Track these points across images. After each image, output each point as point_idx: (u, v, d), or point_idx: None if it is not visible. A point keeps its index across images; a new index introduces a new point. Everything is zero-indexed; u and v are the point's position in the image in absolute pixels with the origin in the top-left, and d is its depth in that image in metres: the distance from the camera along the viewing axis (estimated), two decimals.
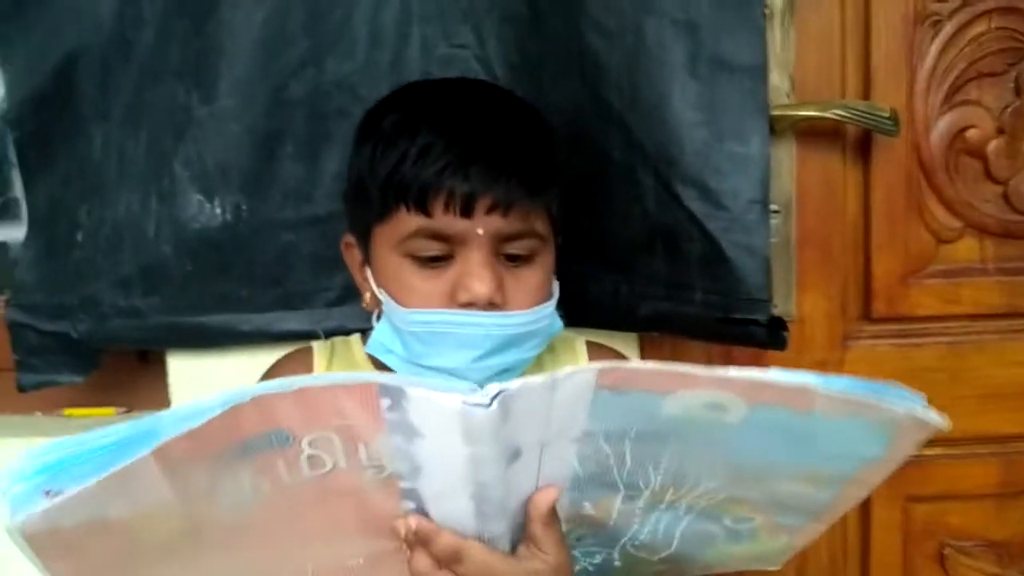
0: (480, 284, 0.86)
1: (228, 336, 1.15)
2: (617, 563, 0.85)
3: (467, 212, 0.86)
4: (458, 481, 0.66)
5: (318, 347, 1.03)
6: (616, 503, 0.77)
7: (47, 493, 0.57)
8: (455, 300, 0.87)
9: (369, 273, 0.93)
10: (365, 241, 0.94)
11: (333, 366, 1.00)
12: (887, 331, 1.31)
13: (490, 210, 0.86)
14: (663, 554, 0.84)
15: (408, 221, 0.87)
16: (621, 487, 0.74)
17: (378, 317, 0.95)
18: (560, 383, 0.62)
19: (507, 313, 0.88)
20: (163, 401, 1.20)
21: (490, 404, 0.60)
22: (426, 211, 0.86)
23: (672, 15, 1.00)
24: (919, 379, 1.27)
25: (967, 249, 1.29)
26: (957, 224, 1.28)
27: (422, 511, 0.70)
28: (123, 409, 1.26)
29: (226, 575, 0.71)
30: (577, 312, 0.99)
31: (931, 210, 1.28)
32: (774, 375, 0.63)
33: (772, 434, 0.67)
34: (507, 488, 0.68)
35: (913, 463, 1.31)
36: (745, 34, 0.99)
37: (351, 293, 1.08)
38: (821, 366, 1.29)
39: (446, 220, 0.86)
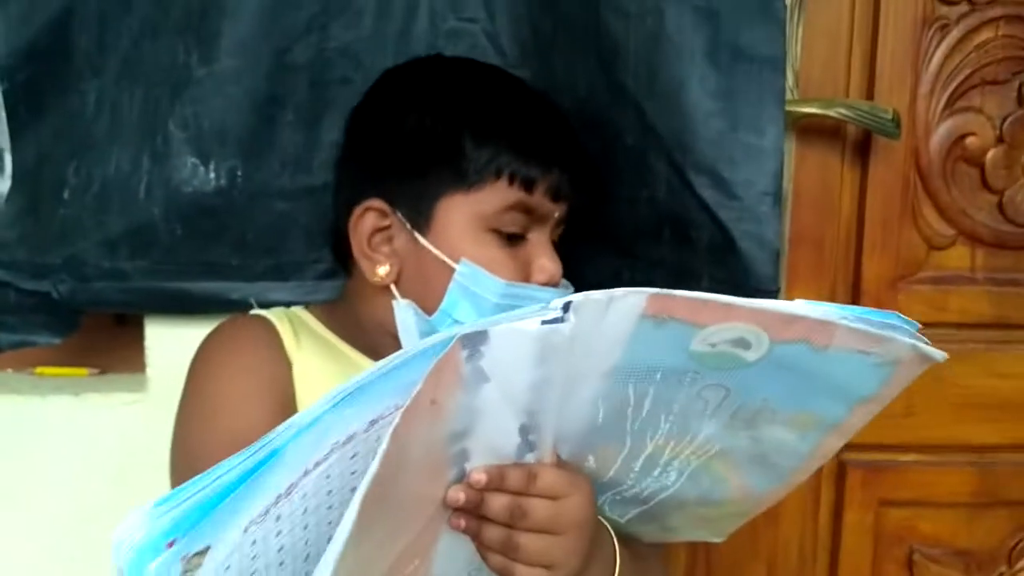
0: (556, 265, 0.96)
1: (215, 304, 1.12)
2: None
3: (558, 197, 0.95)
4: (512, 416, 0.66)
5: (273, 316, 1.02)
6: (618, 459, 0.77)
7: (183, 559, 0.56)
8: (527, 278, 0.94)
9: (425, 242, 0.93)
10: (420, 209, 0.94)
11: (300, 337, 0.99)
12: None
13: (566, 197, 0.96)
14: (633, 513, 0.86)
15: (507, 194, 0.93)
16: (628, 441, 0.75)
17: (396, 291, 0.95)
18: (615, 302, 0.62)
19: (565, 290, 0.96)
20: (139, 364, 1.18)
21: (563, 317, 0.60)
22: (529, 189, 0.93)
23: (693, 1, 0.99)
24: None
25: (958, 257, 1.30)
26: (950, 231, 1.29)
27: (462, 475, 0.69)
28: (96, 370, 1.24)
29: None
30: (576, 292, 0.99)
31: (925, 216, 1.28)
32: (802, 308, 0.65)
33: (782, 372, 0.69)
34: (553, 413, 0.68)
35: (889, 468, 1.34)
36: (765, 25, 0.98)
37: (340, 267, 1.06)
38: None
39: (541, 199, 0.94)
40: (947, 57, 1.24)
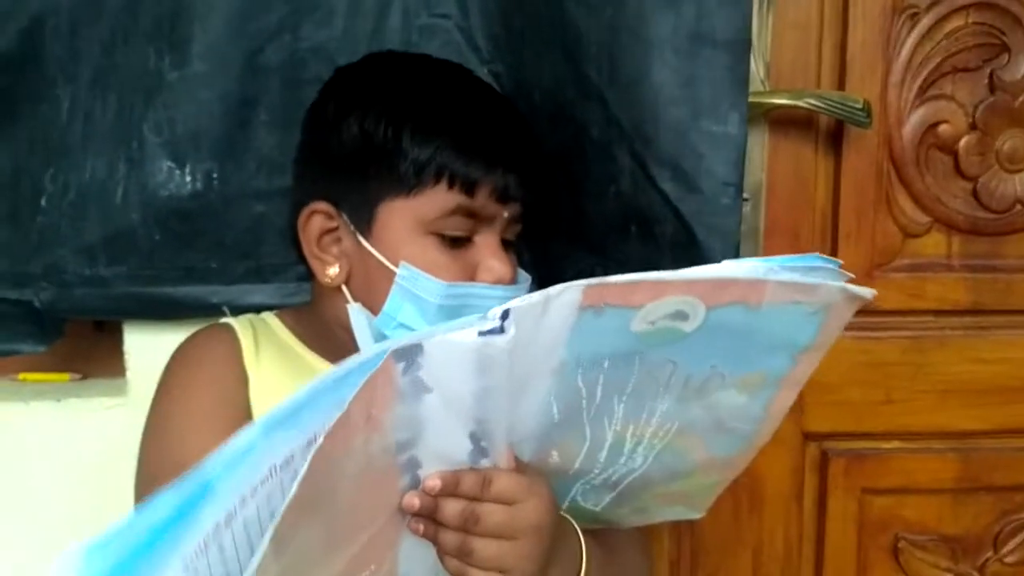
0: (503, 265, 0.93)
1: (196, 308, 1.12)
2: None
3: (504, 198, 0.93)
4: (460, 424, 0.67)
5: (238, 325, 1.01)
6: (582, 452, 0.78)
7: None
8: (475, 280, 0.93)
9: (368, 245, 0.92)
10: (363, 212, 0.93)
11: (260, 347, 0.99)
12: (850, 324, 1.29)
13: (516, 198, 0.94)
14: (606, 501, 0.87)
15: (447, 199, 0.91)
16: (587, 432, 0.76)
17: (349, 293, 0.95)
18: (552, 300, 0.63)
19: (516, 288, 0.94)
20: (119, 369, 1.18)
21: (502, 327, 0.61)
22: (470, 192, 0.91)
23: None
24: (880, 373, 1.31)
25: (934, 244, 1.30)
26: (925, 219, 1.29)
27: (415, 482, 0.70)
28: (78, 376, 1.25)
29: None
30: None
31: (900, 204, 1.29)
32: (730, 270, 0.68)
33: (722, 336, 0.70)
34: (503, 419, 0.69)
35: (871, 456, 1.35)
36: (727, 9, 0.98)
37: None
38: None
39: (484, 202, 0.92)
40: (917, 45, 1.24)
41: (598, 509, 0.88)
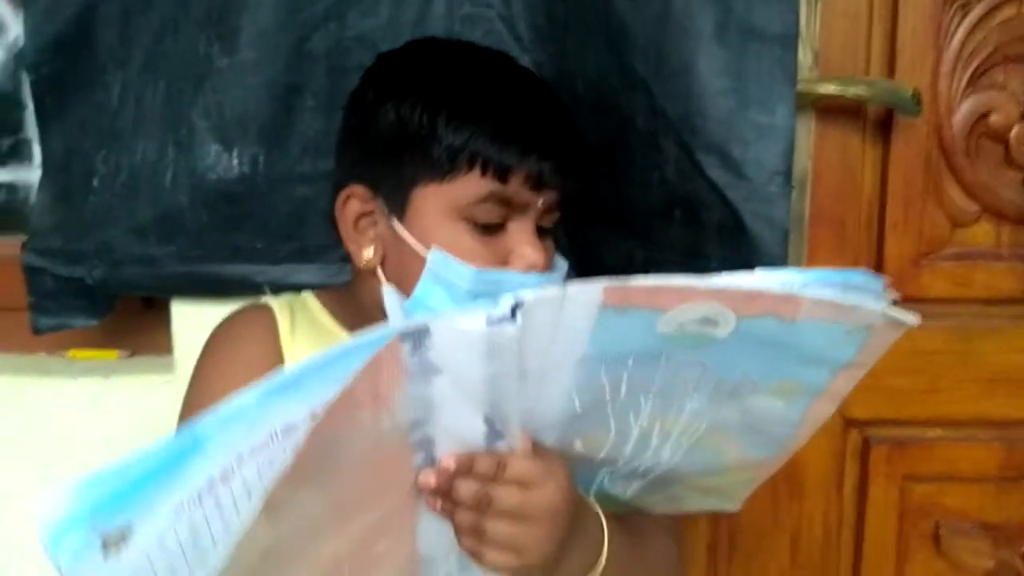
0: (536, 252, 0.92)
1: (242, 286, 1.14)
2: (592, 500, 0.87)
3: (539, 186, 0.92)
4: (473, 406, 0.67)
5: (276, 305, 1.03)
6: (607, 443, 0.78)
7: (102, 534, 0.57)
8: (507, 266, 0.92)
9: (401, 229, 0.93)
10: (397, 196, 0.93)
11: (296, 328, 1.01)
12: None
13: (552, 186, 0.93)
14: (635, 488, 0.87)
15: (480, 185, 0.90)
16: (612, 424, 0.76)
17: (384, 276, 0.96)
18: (570, 298, 0.63)
19: (550, 275, 0.94)
20: (166, 346, 1.21)
21: (513, 316, 0.61)
22: (504, 179, 0.90)
23: None
24: (926, 361, 1.31)
25: (983, 234, 1.29)
26: (974, 208, 1.28)
27: (430, 460, 0.71)
28: (127, 352, 1.27)
29: None
30: (590, 277, 0.99)
31: (948, 193, 1.27)
32: (763, 282, 0.66)
33: (755, 345, 0.69)
34: (518, 402, 0.69)
35: (914, 443, 1.34)
36: (777, 2, 0.97)
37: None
38: None
39: (518, 190, 0.91)
40: (969, 34, 1.22)
41: (627, 495, 0.89)
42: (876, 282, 0.69)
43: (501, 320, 0.62)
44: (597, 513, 0.86)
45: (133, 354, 1.27)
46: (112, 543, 0.57)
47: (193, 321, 1.18)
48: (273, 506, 0.59)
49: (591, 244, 1.04)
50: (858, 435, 1.34)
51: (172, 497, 0.58)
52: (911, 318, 0.70)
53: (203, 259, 1.14)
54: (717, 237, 1.02)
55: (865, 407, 1.32)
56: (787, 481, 1.34)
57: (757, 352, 0.70)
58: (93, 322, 1.18)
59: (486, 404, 0.68)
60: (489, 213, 0.91)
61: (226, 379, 0.95)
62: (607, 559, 0.85)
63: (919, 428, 1.34)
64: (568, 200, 0.96)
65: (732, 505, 0.94)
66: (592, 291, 0.63)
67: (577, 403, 0.72)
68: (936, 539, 1.37)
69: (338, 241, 1.01)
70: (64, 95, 1.11)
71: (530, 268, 0.92)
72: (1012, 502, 1.36)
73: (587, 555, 0.84)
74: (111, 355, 1.26)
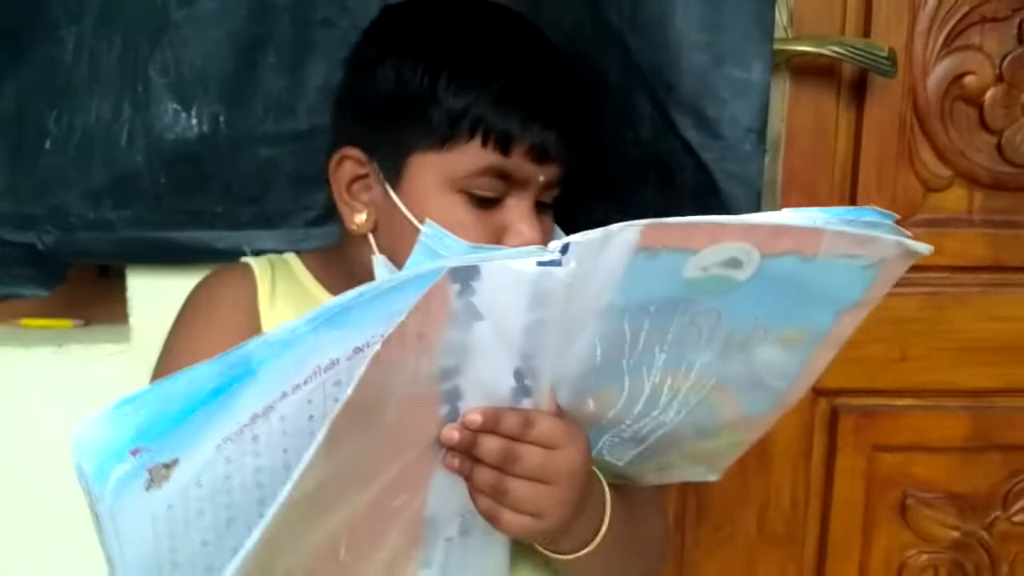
0: (532, 230, 0.89)
1: (202, 253, 1.11)
2: None
3: (543, 159, 0.88)
4: (507, 358, 0.66)
5: (257, 265, 1.00)
6: (619, 402, 0.77)
7: (149, 469, 0.55)
8: (502, 243, 0.88)
9: (395, 198, 0.90)
10: (391, 164, 0.90)
11: (277, 291, 0.98)
12: None
13: (554, 160, 0.89)
14: (631, 455, 0.86)
15: (480, 156, 0.87)
16: (626, 381, 0.75)
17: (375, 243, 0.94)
18: (612, 237, 0.62)
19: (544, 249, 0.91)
20: (121, 315, 1.17)
21: (561, 260, 0.61)
22: (505, 151, 0.87)
23: None
24: (897, 329, 1.30)
25: (955, 199, 1.29)
26: (947, 173, 1.27)
27: (455, 414, 0.69)
28: (80, 322, 1.24)
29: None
30: None
31: (922, 157, 1.27)
32: (790, 218, 0.67)
33: (771, 287, 0.69)
34: (549, 358, 0.68)
35: (883, 413, 1.34)
36: None
37: (332, 213, 1.04)
38: None
39: (520, 163, 0.88)
40: None
41: (621, 464, 0.87)
42: (888, 217, 0.69)
43: (551, 263, 0.61)
44: (601, 481, 0.85)
45: (87, 323, 1.24)
46: (157, 478, 0.56)
47: (149, 290, 1.15)
48: (332, 440, 0.57)
49: (565, 206, 1.01)
50: (827, 404, 1.34)
51: (218, 430, 0.57)
52: (924, 247, 0.71)
53: (161, 224, 1.11)
54: (691, 200, 1.01)
55: (834, 376, 1.27)
56: (755, 451, 1.31)
57: (773, 296, 0.70)
58: (44, 292, 1.13)
59: (519, 357, 0.67)
60: (488, 186, 0.88)
61: (199, 341, 0.93)
62: (607, 529, 0.83)
63: (888, 397, 1.34)
64: (571, 173, 0.94)
65: (715, 474, 0.94)
66: (632, 231, 0.63)
67: (599, 354, 0.71)
68: (903, 509, 1.38)
69: (304, 205, 0.98)
70: (16, 51, 1.06)
71: (526, 246, 0.89)
72: (979, 472, 1.37)
73: (592, 523, 0.83)
74: (65, 324, 1.23)
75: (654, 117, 1.01)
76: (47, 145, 1.08)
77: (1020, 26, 1.23)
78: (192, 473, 0.57)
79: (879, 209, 0.69)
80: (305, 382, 0.59)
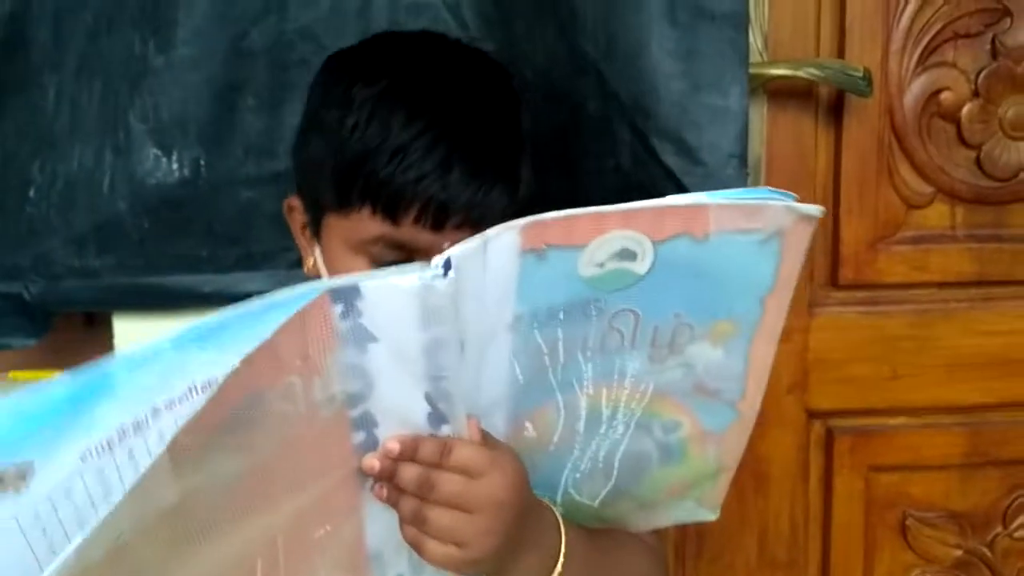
0: None
1: (187, 297, 1.11)
2: (559, 510, 0.83)
3: (439, 226, 0.81)
4: (413, 381, 0.65)
5: None
6: (559, 422, 0.76)
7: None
8: None
9: (318, 252, 0.89)
10: (315, 219, 0.89)
11: None
12: (854, 298, 1.30)
13: (461, 224, 0.81)
14: (603, 493, 0.84)
15: (369, 225, 0.82)
16: (559, 397, 0.74)
17: None
18: (491, 242, 0.63)
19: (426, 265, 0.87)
20: None
21: (445, 271, 0.61)
22: (394, 221, 0.81)
23: None
24: (885, 348, 1.30)
25: (937, 215, 1.29)
26: (928, 189, 1.27)
27: (372, 442, 0.68)
28: (68, 370, 1.22)
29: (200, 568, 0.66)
30: None
31: (902, 174, 1.27)
32: (672, 199, 0.67)
33: (677, 277, 0.69)
34: (460, 381, 0.67)
35: (877, 433, 1.33)
36: None
37: None
38: (786, 334, 1.24)
39: (413, 232, 0.81)
40: (918, 11, 1.22)
41: (596, 504, 0.85)
42: (787, 196, 0.70)
43: (434, 276, 0.61)
44: (555, 516, 0.81)
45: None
46: (9, 480, 0.53)
47: (136, 336, 1.13)
48: (180, 455, 0.55)
49: None
50: (821, 426, 1.34)
51: (78, 441, 0.55)
52: (815, 208, 0.70)
53: (145, 270, 1.11)
54: None
55: (827, 397, 1.31)
56: (752, 476, 1.32)
57: (681, 286, 0.70)
58: (31, 342, 1.13)
59: (426, 379, 0.66)
60: (386, 255, 0.83)
61: None
62: (561, 568, 0.80)
63: (882, 417, 1.34)
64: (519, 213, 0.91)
65: (709, 511, 0.91)
66: (510, 233, 0.63)
67: (519, 371, 0.70)
68: (903, 530, 1.36)
69: (286, 246, 0.99)
70: None
71: None
72: (977, 489, 1.36)
73: (544, 561, 0.79)
74: (53, 375, 1.21)
75: (634, 145, 1.01)
76: (31, 193, 1.09)
77: (993, 41, 1.24)
78: (57, 482, 0.55)
79: (775, 189, 0.70)
80: (180, 401, 0.57)
